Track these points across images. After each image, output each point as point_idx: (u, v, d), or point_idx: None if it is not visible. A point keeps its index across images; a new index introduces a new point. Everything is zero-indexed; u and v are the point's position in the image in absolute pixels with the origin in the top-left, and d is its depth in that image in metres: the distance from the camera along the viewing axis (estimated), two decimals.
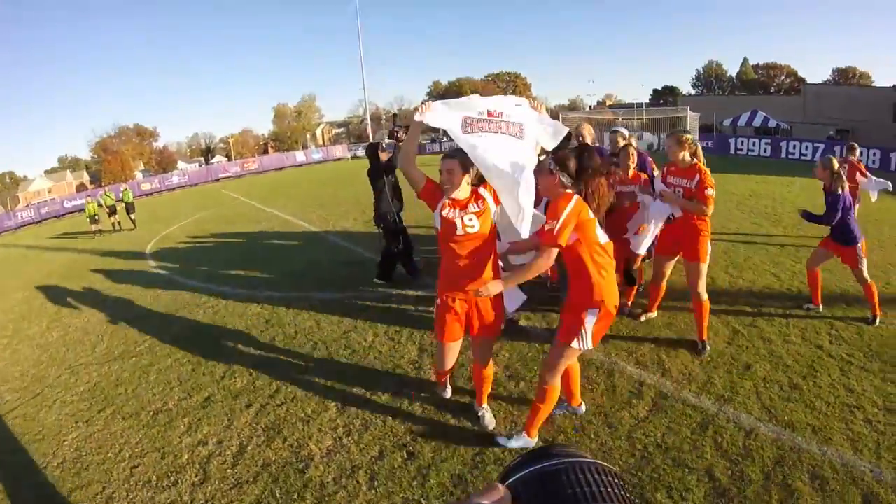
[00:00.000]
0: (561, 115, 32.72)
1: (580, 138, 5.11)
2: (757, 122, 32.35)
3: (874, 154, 23.20)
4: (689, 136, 4.19)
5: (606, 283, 2.78)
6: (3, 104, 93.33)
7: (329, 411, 3.83)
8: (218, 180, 33.57)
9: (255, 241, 11.00)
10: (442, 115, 2.85)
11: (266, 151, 44.83)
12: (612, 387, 3.84)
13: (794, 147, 21.53)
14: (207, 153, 72.17)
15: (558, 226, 2.63)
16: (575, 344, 2.80)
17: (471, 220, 2.89)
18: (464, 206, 2.91)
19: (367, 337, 5.10)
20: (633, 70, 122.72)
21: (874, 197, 8.59)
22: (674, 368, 4.05)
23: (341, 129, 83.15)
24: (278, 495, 2.96)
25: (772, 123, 32.35)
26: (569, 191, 2.77)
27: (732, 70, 71.79)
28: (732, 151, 23.97)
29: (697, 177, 4.02)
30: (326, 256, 8.75)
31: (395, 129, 5.58)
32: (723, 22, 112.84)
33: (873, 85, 52.10)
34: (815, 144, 21.59)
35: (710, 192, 3.96)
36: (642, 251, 4.84)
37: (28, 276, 11.01)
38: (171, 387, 4.54)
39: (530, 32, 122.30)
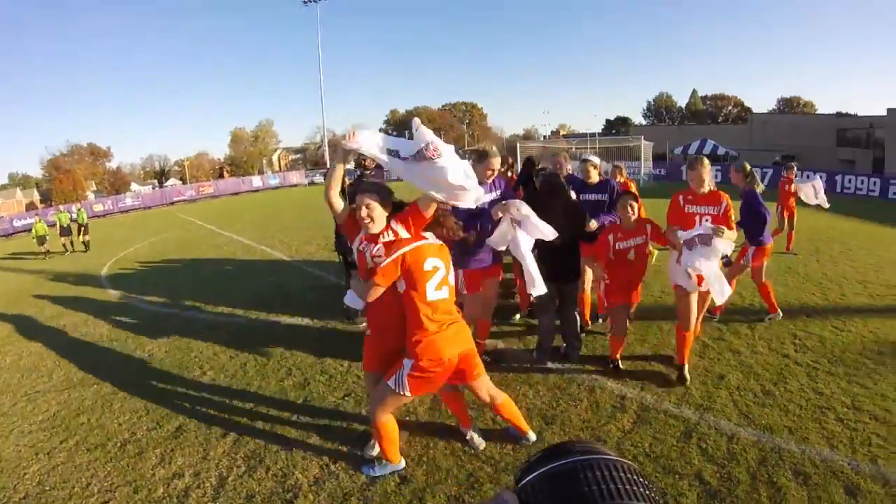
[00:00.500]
0: (518, 145, 33.70)
1: (558, 167, 5.31)
2: (707, 149, 34.09)
3: (820, 178, 24.78)
4: (707, 161, 4.04)
5: (429, 340, 2.67)
6: None
7: (311, 438, 3.70)
8: (172, 204, 32.91)
9: (217, 266, 10.72)
10: (372, 143, 2.67)
11: (221, 176, 43.91)
12: (596, 402, 3.90)
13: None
14: (162, 176, 70.47)
15: (383, 263, 2.65)
16: (392, 384, 2.77)
17: (378, 250, 2.78)
18: (374, 240, 2.82)
19: (342, 362, 4.99)
20: (586, 101, 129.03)
21: (818, 200, 8.93)
22: (652, 382, 4.16)
23: (298, 156, 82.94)
24: None
25: (721, 151, 34.19)
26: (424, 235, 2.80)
27: (682, 101, 75.70)
28: (684, 178, 25.07)
29: (725, 202, 3.87)
30: (293, 281, 8.59)
31: (361, 157, 5.53)
32: (672, 55, 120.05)
33: (817, 113, 55.72)
34: (763, 170, 22.90)
35: (733, 217, 3.90)
36: (724, 297, 3.84)
37: None
38: (139, 415, 4.29)
39: (486, 64, 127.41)
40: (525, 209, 3.65)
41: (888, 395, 3.84)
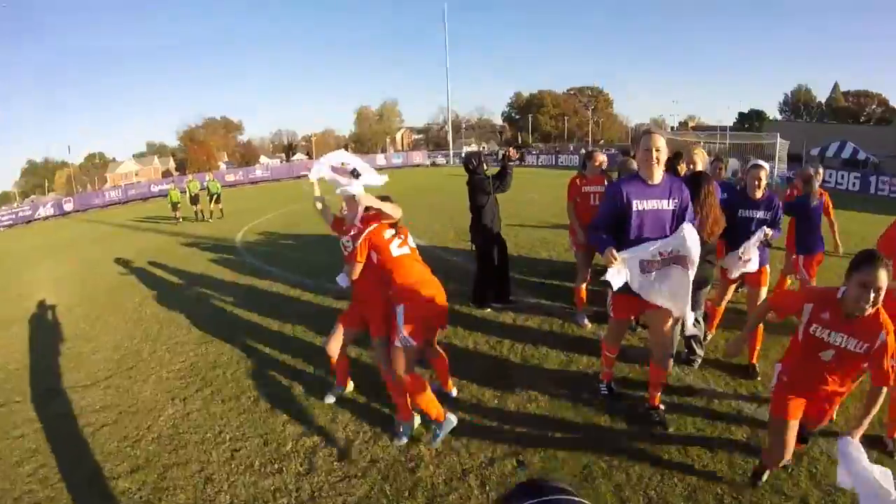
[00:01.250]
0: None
1: (691, 165, 4.47)
2: (846, 153, 30.31)
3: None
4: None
5: (406, 284, 3.29)
6: (98, 88, 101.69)
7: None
8: (299, 177, 34.44)
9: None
10: (325, 169, 3.57)
11: None
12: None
13: (884, 183, 19.47)
14: (289, 150, 75.00)
15: (355, 245, 3.38)
16: (397, 342, 3.22)
17: (347, 241, 3.52)
18: (347, 231, 3.56)
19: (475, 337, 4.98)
20: (718, 91, 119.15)
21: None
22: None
23: (420, 136, 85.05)
24: (388, 492, 2.88)
25: (861, 155, 30.19)
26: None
27: (822, 95, 68.34)
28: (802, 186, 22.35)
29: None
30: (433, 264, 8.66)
31: (503, 148, 5.32)
32: (814, 44, 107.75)
33: None
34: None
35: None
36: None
37: (118, 251, 11.55)
38: (273, 374, 4.51)
39: (614, 48, 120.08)
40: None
41: None
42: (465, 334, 5.09)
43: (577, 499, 0.69)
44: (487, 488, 2.89)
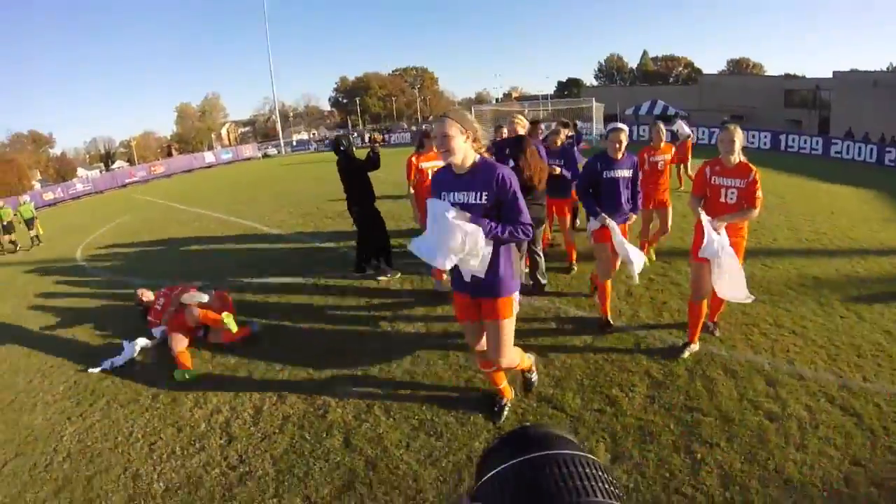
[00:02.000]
0: (473, 108, 33.92)
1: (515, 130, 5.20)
2: (657, 110, 35.23)
3: (765, 137, 26.27)
4: (738, 128, 3.81)
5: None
6: None
7: (310, 370, 4.35)
8: (125, 186, 31.77)
9: (194, 241, 10.63)
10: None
11: (170, 154, 42.35)
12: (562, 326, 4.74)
13: (691, 131, 23.79)
14: (108, 158, 67.86)
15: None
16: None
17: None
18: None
19: (337, 311, 5.56)
20: (537, 63, 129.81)
21: None
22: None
23: (247, 129, 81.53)
24: (308, 437, 3.40)
25: (671, 111, 35.35)
26: None
27: (633, 62, 77.32)
28: (635, 138, 26.22)
29: (752, 175, 3.71)
30: (275, 247, 9.01)
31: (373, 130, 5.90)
32: (623, 16, 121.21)
33: (766, 74, 57.89)
34: (711, 129, 24.13)
35: (760, 193, 3.72)
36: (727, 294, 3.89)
37: None
38: (161, 373, 4.65)
39: (436, 27, 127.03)
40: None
41: (806, 316, 4.70)
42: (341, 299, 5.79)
43: (574, 452, 0.60)
44: (391, 413, 3.54)
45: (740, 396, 3.49)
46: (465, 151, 2.64)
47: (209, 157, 38.81)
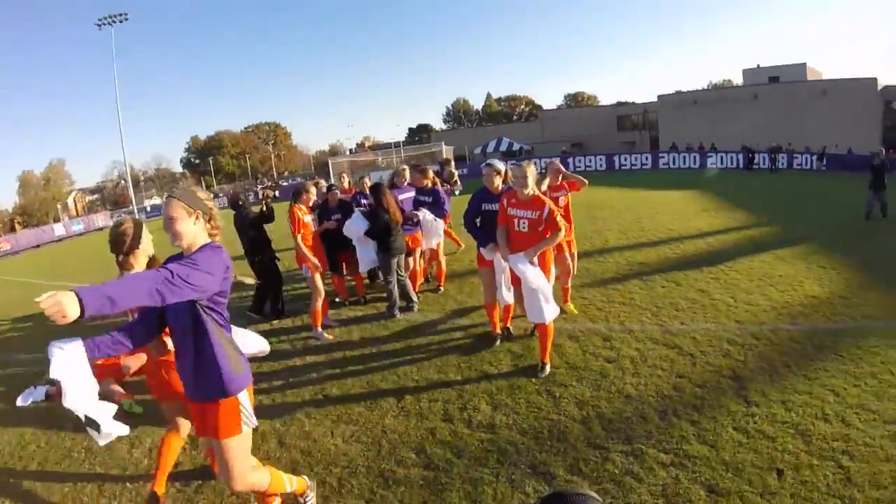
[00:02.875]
0: (330, 161, 34.92)
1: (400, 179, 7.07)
2: (503, 146, 39.08)
3: (600, 160, 30.47)
4: (531, 164, 4.24)
5: None
6: None
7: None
8: None
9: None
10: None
11: (13, 229, 36.94)
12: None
13: (536, 163, 26.92)
14: None
15: None
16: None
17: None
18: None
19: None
20: (388, 111, 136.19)
21: None
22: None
23: (95, 196, 74.60)
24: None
25: (516, 147, 39.41)
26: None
27: (478, 104, 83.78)
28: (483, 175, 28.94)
29: (546, 208, 4.12)
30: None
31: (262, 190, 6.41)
32: (467, 62, 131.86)
33: (599, 104, 65.47)
34: (553, 159, 27.47)
35: (559, 217, 4.16)
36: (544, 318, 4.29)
37: None
38: (70, 433, 4.36)
39: (286, 81, 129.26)
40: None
41: (633, 290, 6.26)
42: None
43: None
44: (311, 416, 4.17)
45: (583, 351, 4.74)
46: (195, 235, 2.37)
47: (59, 229, 34.78)
